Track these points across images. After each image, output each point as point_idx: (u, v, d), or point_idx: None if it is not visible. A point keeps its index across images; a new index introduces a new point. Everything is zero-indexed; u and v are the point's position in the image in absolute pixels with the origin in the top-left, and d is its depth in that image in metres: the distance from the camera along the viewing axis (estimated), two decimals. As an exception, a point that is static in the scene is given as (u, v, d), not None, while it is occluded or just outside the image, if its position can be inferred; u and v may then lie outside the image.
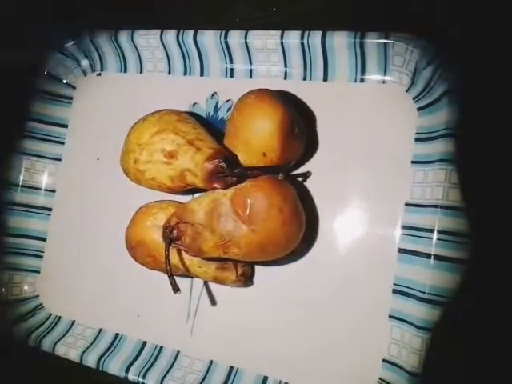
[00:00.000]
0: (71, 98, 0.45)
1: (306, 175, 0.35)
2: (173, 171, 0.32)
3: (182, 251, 0.32)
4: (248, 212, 0.29)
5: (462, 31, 0.33)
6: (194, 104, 0.40)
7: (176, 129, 0.32)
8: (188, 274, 0.35)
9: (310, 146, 0.35)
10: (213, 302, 0.37)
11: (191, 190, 0.34)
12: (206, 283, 0.37)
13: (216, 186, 0.30)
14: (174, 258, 0.34)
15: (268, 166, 0.32)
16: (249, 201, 0.29)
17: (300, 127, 0.33)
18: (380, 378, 0.31)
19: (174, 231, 0.30)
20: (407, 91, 0.33)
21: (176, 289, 0.31)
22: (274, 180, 0.31)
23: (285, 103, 0.32)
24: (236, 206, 0.30)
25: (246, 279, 0.35)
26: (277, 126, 0.31)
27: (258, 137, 0.31)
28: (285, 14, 0.39)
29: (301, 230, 0.31)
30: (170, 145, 0.32)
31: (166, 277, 0.31)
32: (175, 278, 0.31)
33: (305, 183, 0.35)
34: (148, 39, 0.40)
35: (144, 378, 0.36)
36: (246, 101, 0.32)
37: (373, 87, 0.34)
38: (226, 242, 0.30)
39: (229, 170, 0.30)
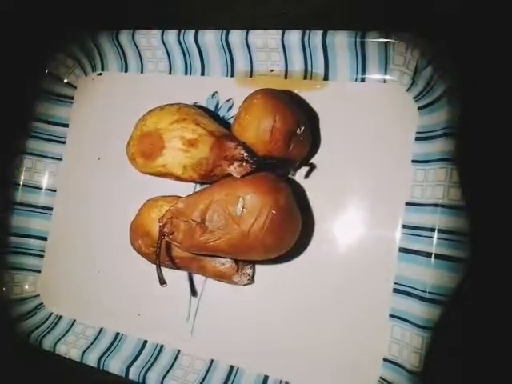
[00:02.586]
0: (72, 98, 0.45)
1: (312, 167, 0.35)
2: (189, 160, 0.32)
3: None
4: (239, 212, 0.30)
5: (462, 30, 0.33)
6: (195, 103, 0.40)
7: (196, 120, 0.33)
8: (189, 269, 0.35)
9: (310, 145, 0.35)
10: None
11: (194, 182, 0.35)
12: (206, 282, 0.37)
13: (236, 172, 0.32)
14: (176, 253, 0.34)
15: (280, 158, 0.33)
16: (241, 200, 0.30)
17: (305, 127, 0.33)
18: (381, 378, 0.31)
19: (167, 225, 0.31)
20: (408, 90, 0.33)
21: (162, 281, 0.32)
22: (269, 180, 0.31)
23: (290, 103, 0.33)
24: (228, 205, 0.30)
25: (247, 276, 0.35)
26: (281, 125, 0.32)
27: (263, 136, 0.32)
28: (285, 13, 0.39)
29: (294, 230, 0.32)
30: (191, 134, 0.32)
31: (166, 276, 0.31)
32: (184, 274, 0.31)
33: (305, 182, 0.35)
34: (149, 39, 0.40)
35: (144, 377, 0.36)
36: (253, 101, 0.33)
37: (373, 86, 0.34)
38: (216, 239, 0.30)
39: (249, 158, 0.31)
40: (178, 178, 0.34)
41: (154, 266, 0.32)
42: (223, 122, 0.38)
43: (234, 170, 0.32)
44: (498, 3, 0.33)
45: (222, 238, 0.30)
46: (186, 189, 0.37)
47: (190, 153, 0.32)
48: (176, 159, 0.33)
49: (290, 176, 0.35)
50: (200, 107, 0.38)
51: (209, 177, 0.33)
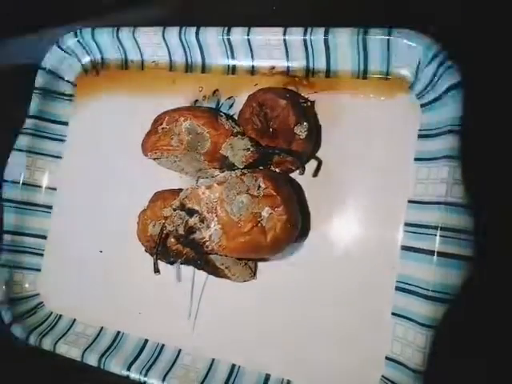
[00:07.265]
0: (72, 96, 0.45)
1: (319, 163, 0.35)
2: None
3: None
4: (238, 211, 0.31)
5: (464, 27, 0.33)
6: (196, 101, 0.39)
7: (218, 121, 0.34)
8: (190, 264, 0.36)
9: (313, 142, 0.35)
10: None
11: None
12: (207, 280, 0.37)
13: (238, 161, 0.33)
14: (177, 247, 0.35)
15: (283, 149, 0.33)
16: (240, 200, 0.31)
17: (306, 124, 0.33)
18: (383, 376, 0.31)
19: (169, 219, 0.32)
20: (410, 88, 0.33)
21: (156, 270, 0.33)
22: (269, 181, 0.31)
23: (290, 101, 0.33)
24: (227, 205, 0.31)
25: (249, 270, 0.35)
26: (281, 122, 0.33)
27: (264, 132, 0.33)
28: (287, 12, 0.39)
29: (292, 231, 0.32)
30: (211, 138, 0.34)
31: (166, 275, 0.31)
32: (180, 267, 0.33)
33: (306, 181, 0.35)
34: (150, 36, 0.40)
35: (146, 376, 0.36)
36: (254, 99, 0.34)
37: (376, 83, 0.34)
38: (214, 237, 0.31)
39: (251, 146, 0.32)
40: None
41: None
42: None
43: (238, 159, 0.32)
44: (500, 1, 0.33)
45: (220, 236, 0.31)
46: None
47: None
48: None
49: (298, 174, 0.35)
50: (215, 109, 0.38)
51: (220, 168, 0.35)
